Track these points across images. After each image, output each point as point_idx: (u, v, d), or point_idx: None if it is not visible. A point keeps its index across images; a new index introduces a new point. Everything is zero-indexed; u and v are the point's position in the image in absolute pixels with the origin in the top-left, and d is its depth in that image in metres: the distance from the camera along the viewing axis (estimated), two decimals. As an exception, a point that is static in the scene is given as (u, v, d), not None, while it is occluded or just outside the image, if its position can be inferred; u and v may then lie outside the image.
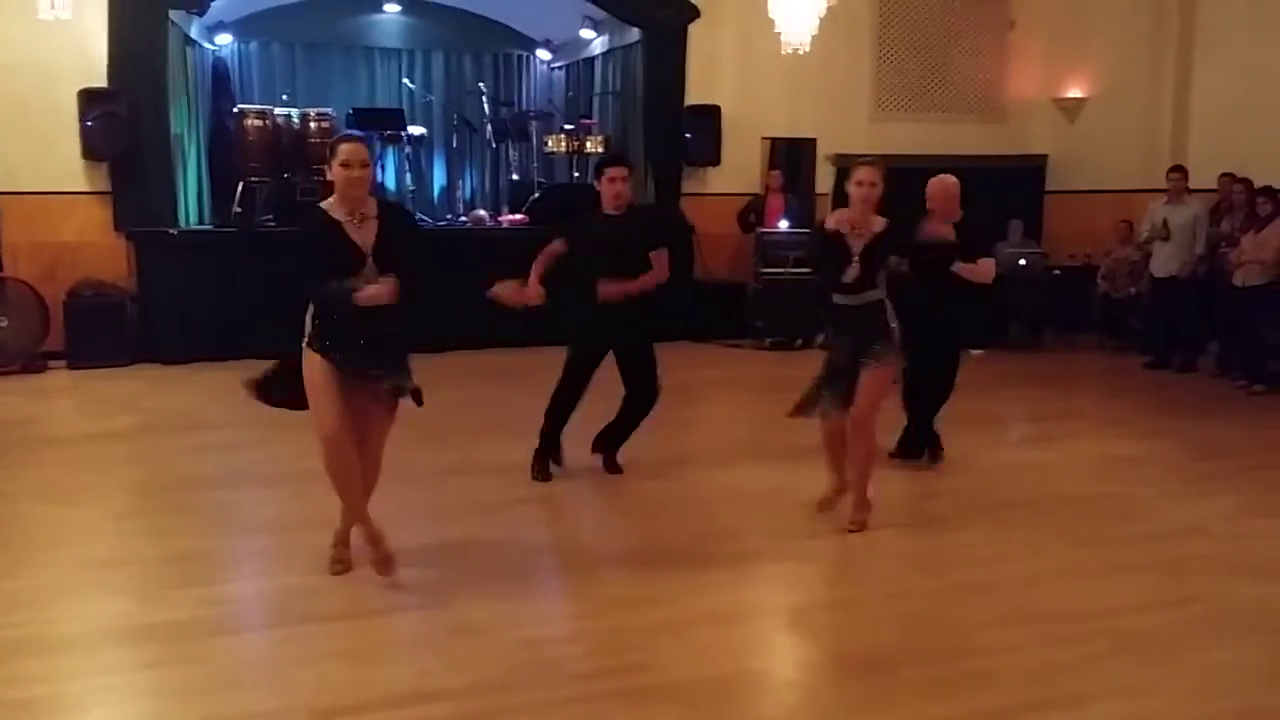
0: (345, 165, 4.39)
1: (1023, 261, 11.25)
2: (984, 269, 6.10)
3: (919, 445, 6.60)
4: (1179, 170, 10.25)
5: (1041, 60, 12.87)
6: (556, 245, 6.05)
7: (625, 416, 6.24)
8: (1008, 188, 11.79)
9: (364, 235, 4.44)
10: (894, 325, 5.24)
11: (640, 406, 6.18)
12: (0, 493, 6.16)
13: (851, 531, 5.33)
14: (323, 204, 4.57)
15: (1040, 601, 4.56)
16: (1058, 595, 4.63)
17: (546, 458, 6.19)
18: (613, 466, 6.31)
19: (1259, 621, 4.41)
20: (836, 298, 5.22)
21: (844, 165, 11.41)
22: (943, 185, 6.43)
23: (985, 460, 6.81)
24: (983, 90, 12.93)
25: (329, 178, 4.58)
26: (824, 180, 12.02)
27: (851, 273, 5.13)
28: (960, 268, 5.97)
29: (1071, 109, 12.80)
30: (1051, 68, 12.81)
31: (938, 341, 6.26)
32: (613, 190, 5.95)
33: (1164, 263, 10.10)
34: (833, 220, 5.24)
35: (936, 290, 5.95)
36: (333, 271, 4.40)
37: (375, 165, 12.58)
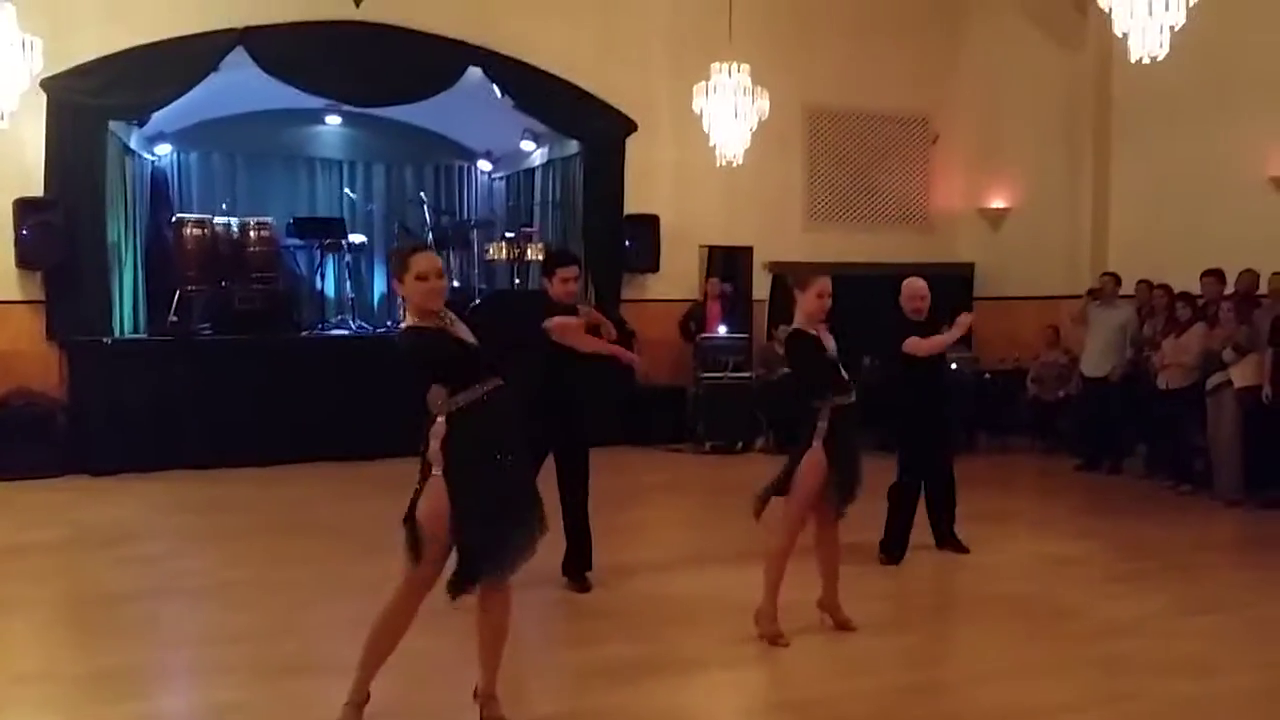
0: (422, 278, 4.02)
1: (954, 366, 11.49)
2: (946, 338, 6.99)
3: (902, 544, 6.86)
4: (1110, 275, 10.66)
5: (965, 172, 13.39)
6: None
7: (570, 534, 6.12)
8: (937, 294, 11.92)
9: (464, 334, 4.12)
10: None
11: (573, 515, 6.09)
12: (-80, 608, 5.95)
13: (847, 629, 5.44)
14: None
15: (980, 701, 4.59)
16: (997, 694, 4.66)
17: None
18: (577, 585, 6.20)
19: (1192, 717, 4.47)
20: (839, 399, 5.27)
21: (780, 273, 11.78)
22: (912, 286, 7.10)
23: (923, 561, 6.87)
24: (909, 201, 13.39)
25: (400, 293, 4.20)
26: (761, 287, 12.29)
27: (841, 374, 5.27)
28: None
29: (995, 218, 13.28)
30: (974, 179, 13.32)
31: (938, 439, 7.00)
32: (565, 290, 5.98)
33: (1095, 364, 10.42)
34: (809, 328, 5.32)
35: (936, 388, 6.89)
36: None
37: (314, 273, 12.74)
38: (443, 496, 3.93)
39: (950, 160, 13.44)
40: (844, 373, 5.30)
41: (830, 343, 5.29)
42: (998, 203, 13.26)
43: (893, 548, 6.80)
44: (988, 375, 11.92)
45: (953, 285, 12.81)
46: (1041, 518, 8.73)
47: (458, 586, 3.96)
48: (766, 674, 5.12)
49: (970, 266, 13.13)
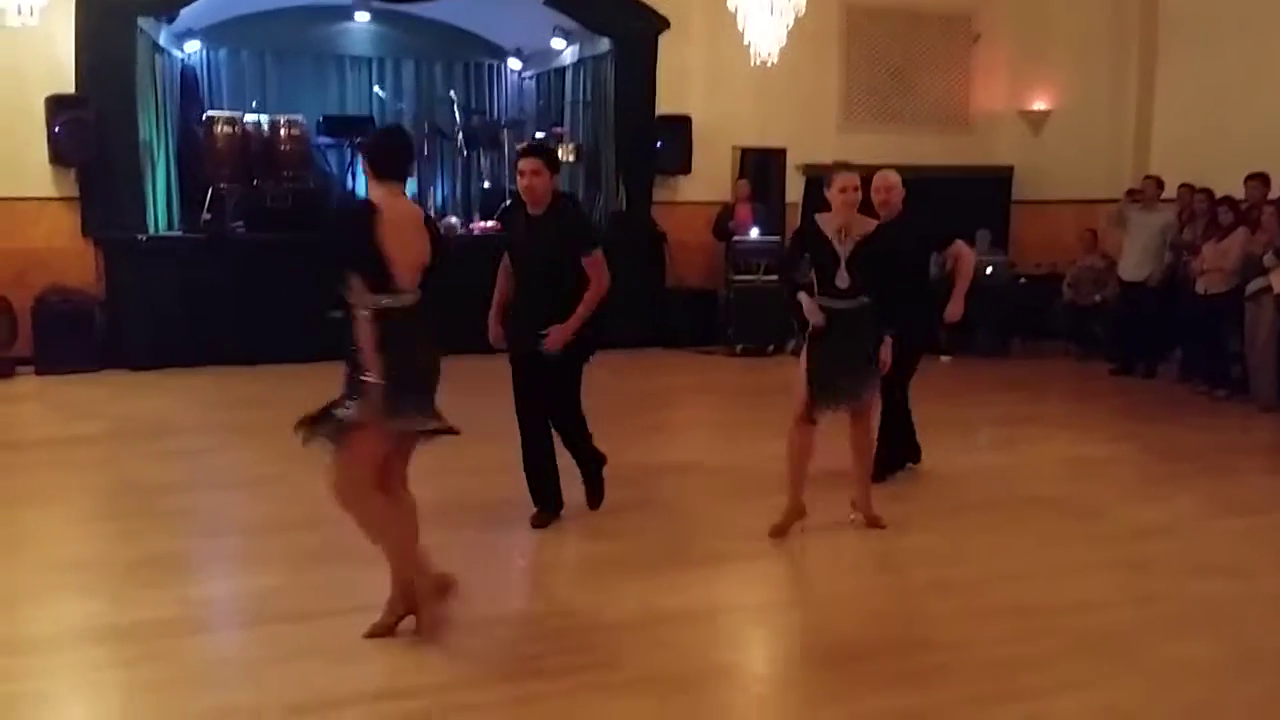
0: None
1: (990, 270, 11.39)
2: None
3: (900, 456, 6.48)
4: (1152, 178, 10.45)
5: (1006, 73, 13.05)
6: (507, 262, 5.42)
7: (581, 466, 5.66)
8: (975, 197, 11.95)
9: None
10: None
11: (569, 440, 5.55)
12: (-33, 497, 6.12)
13: (876, 527, 5.44)
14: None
15: (1002, 599, 4.63)
16: (1019, 593, 4.70)
17: (540, 504, 5.55)
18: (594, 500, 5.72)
19: (1218, 618, 4.50)
20: (824, 301, 5.23)
21: (814, 175, 11.62)
22: (885, 179, 6.23)
23: (951, 464, 6.88)
24: (948, 103, 13.09)
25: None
26: (794, 189, 12.15)
27: (842, 278, 5.18)
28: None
29: (1036, 120, 12.98)
30: (1016, 80, 12.99)
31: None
32: (523, 184, 5.20)
33: (1133, 268, 10.27)
34: (822, 221, 5.26)
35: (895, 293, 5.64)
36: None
37: (345, 172, 12.69)
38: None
39: (991, 60, 13.09)
40: (845, 274, 5.14)
41: (849, 238, 5.17)
42: (1039, 104, 12.95)
43: (891, 461, 6.37)
44: (1023, 279, 11.80)
45: (991, 188, 12.66)
46: (1074, 421, 8.70)
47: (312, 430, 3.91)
48: (791, 569, 5.19)
49: (1009, 170, 12.89)
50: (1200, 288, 9.31)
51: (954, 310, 6.28)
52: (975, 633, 4.27)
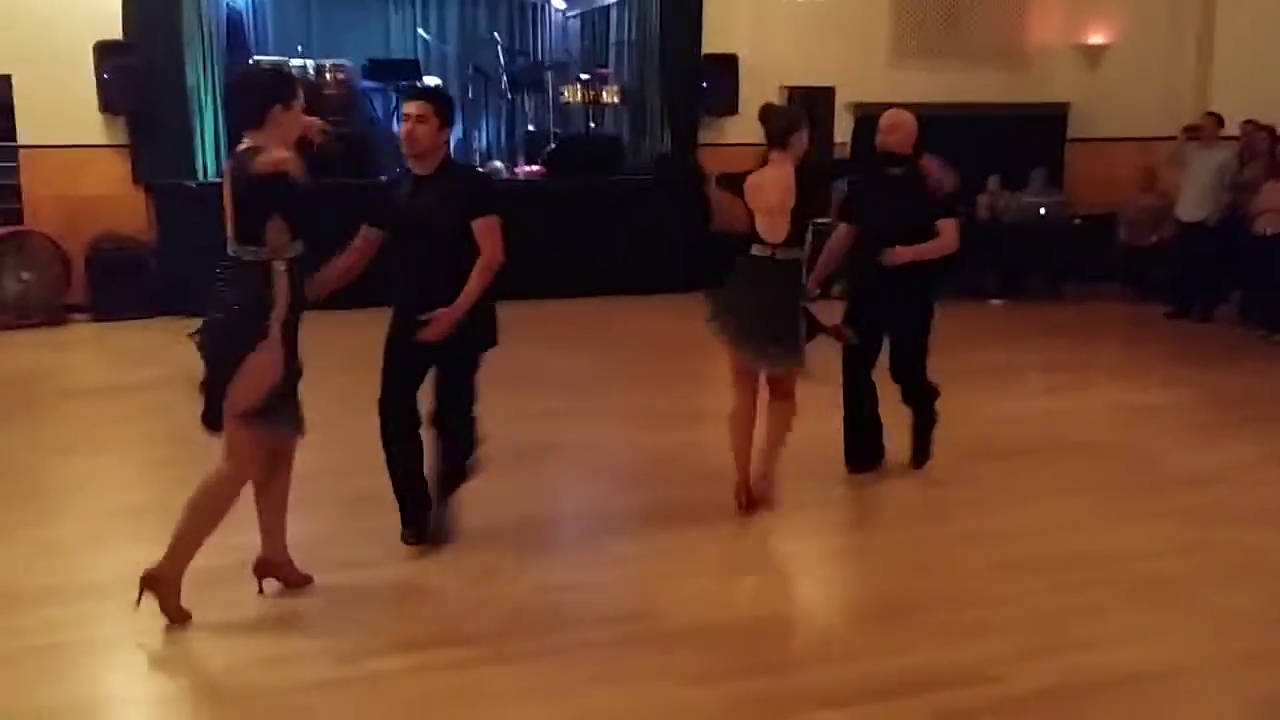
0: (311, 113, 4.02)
1: (1043, 210, 11.18)
2: (938, 243, 5.16)
3: (875, 446, 5.56)
4: (1212, 114, 10.15)
5: (1062, 5, 12.67)
6: (367, 236, 4.48)
7: (444, 459, 4.57)
8: (1029, 135, 11.72)
9: None
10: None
11: (451, 443, 4.53)
12: (28, 443, 6.28)
13: (749, 511, 4.92)
14: None
15: (1051, 548, 4.60)
16: (1068, 542, 4.67)
17: (410, 518, 4.58)
18: (433, 533, 4.57)
19: (1269, 569, 4.45)
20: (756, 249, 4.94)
21: (863, 114, 11.42)
22: (889, 118, 5.35)
23: (998, 410, 6.82)
24: (1003, 36, 12.74)
25: (277, 120, 3.76)
26: (843, 129, 11.96)
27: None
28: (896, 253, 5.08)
29: (1093, 55, 12.62)
30: (1073, 13, 12.62)
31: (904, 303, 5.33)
32: (404, 131, 4.32)
33: (1192, 208, 10.01)
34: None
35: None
36: None
37: (390, 117, 12.67)
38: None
39: (1048, -8, 12.72)
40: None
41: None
42: (1096, 38, 12.57)
43: (865, 452, 5.56)
44: (1078, 220, 11.52)
45: (1046, 126, 12.37)
46: (1126, 367, 8.57)
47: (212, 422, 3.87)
48: (836, 519, 5.18)
49: (1065, 106, 12.57)
50: (1260, 228, 9.09)
51: (900, 253, 5.11)
52: (1023, 583, 4.25)
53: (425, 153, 4.29)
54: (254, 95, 3.80)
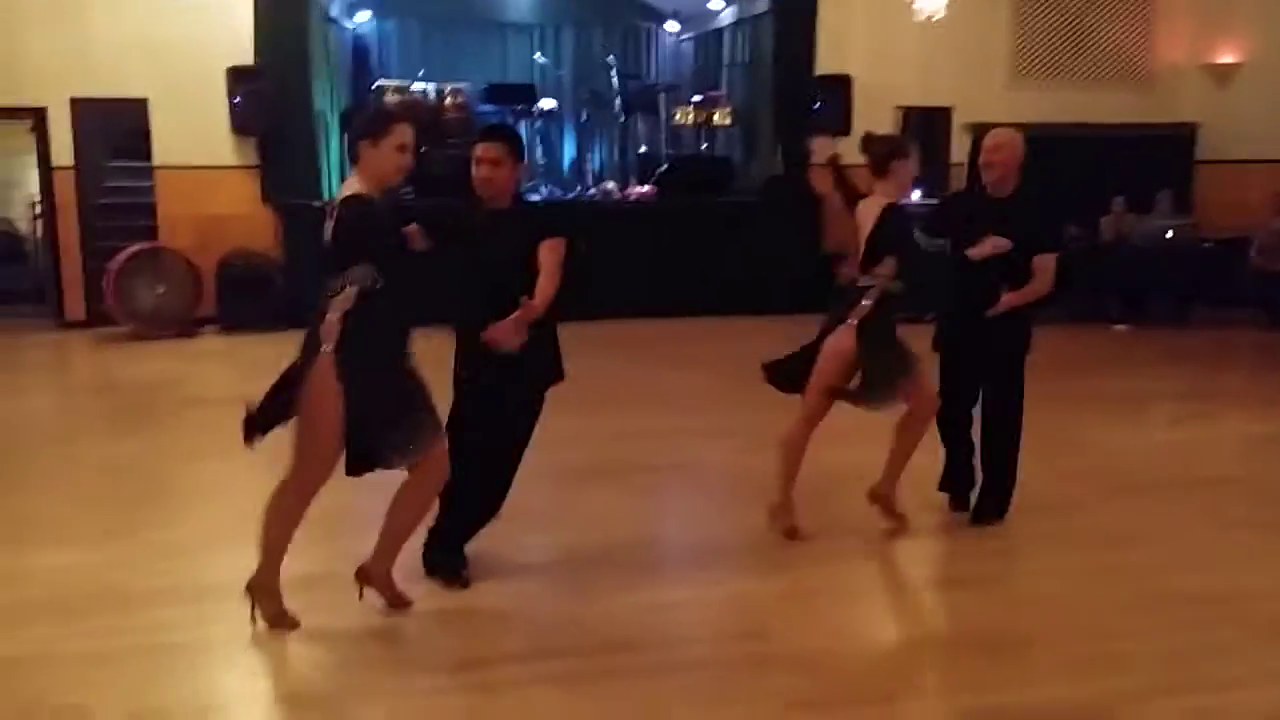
0: (403, 149, 3.88)
1: (1170, 234, 10.82)
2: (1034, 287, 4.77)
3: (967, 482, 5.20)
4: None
5: (1190, 23, 12.29)
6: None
7: (459, 503, 4.33)
8: (1155, 157, 11.36)
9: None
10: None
11: (480, 492, 4.36)
12: (155, 448, 6.54)
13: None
14: None
15: (1179, 585, 4.41)
16: (1197, 578, 4.47)
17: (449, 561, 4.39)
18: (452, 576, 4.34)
19: None
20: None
21: (980, 135, 11.20)
22: (993, 138, 4.89)
23: (1123, 440, 6.59)
24: (1127, 56, 12.43)
25: (363, 155, 3.82)
26: (959, 150, 11.77)
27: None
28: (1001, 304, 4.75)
29: (1223, 74, 12.20)
30: (1201, 31, 12.23)
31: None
32: (481, 176, 4.24)
33: (1326, 233, 9.60)
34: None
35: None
36: None
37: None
38: (331, 377, 3.72)
39: (1174, 9, 12.33)
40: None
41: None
42: (1226, 57, 12.14)
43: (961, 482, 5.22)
44: (1207, 243, 11.13)
45: (1173, 147, 11.98)
46: (1257, 396, 8.21)
47: (357, 468, 3.86)
48: (953, 546, 5.06)
49: (1193, 128, 12.17)
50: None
51: (1005, 302, 4.75)
52: (1147, 620, 4.09)
53: (500, 194, 4.27)
54: (350, 133, 3.95)
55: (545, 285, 4.11)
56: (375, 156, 3.80)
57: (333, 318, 3.76)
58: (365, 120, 3.98)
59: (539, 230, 4.22)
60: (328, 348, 3.75)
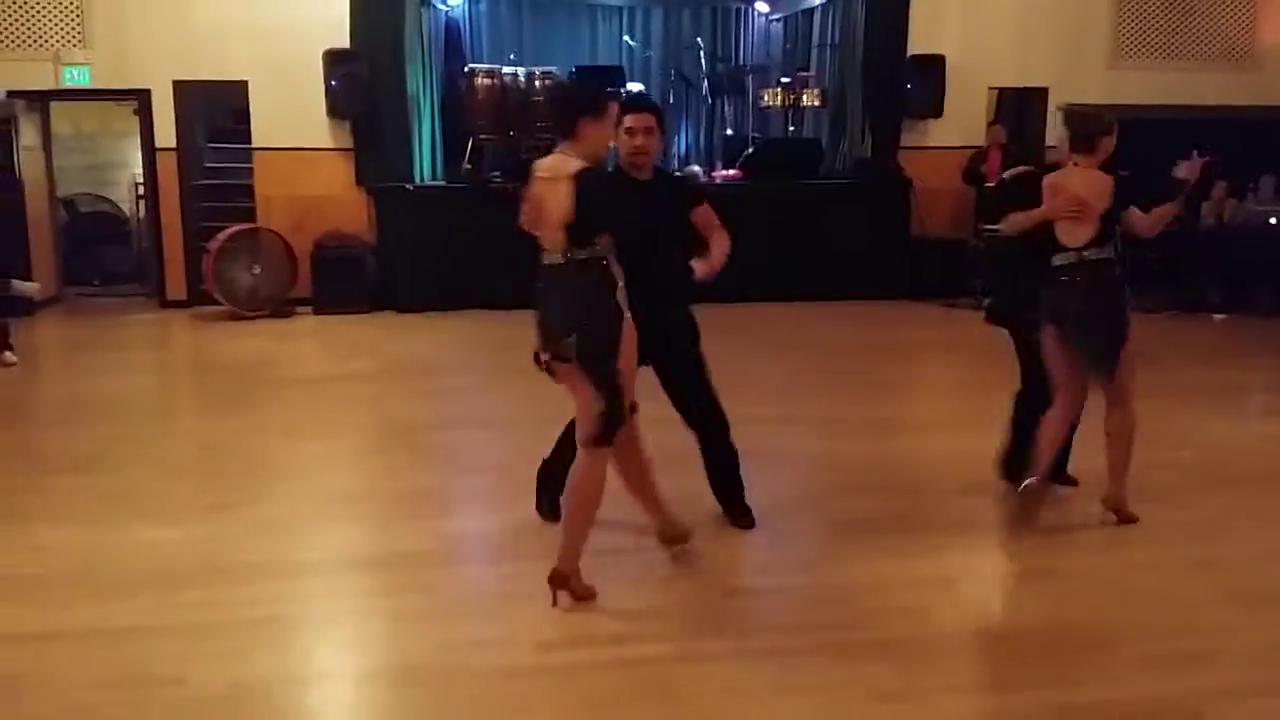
0: (630, 133, 4.25)
1: (1274, 220, 10.45)
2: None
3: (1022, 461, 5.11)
4: None
5: (1304, 0, 11.83)
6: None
7: (709, 463, 4.86)
8: (1258, 140, 10.96)
9: None
10: None
11: (709, 440, 4.80)
12: (251, 427, 6.75)
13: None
14: None
15: (1270, 582, 4.31)
16: (1287, 576, 4.37)
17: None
18: (740, 519, 4.87)
19: None
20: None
21: (1066, 109, 10.92)
22: None
23: (1219, 432, 6.42)
24: (1232, 35, 12.01)
25: (592, 134, 3.87)
26: (1056, 131, 11.50)
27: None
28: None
29: (1337, 54, 11.74)
30: (1315, 8, 11.77)
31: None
32: (635, 144, 4.34)
33: None
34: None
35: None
36: None
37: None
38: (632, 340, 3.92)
39: (1286, -14, 11.89)
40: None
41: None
42: (1342, 34, 11.69)
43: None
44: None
45: (1277, 131, 11.55)
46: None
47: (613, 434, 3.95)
48: (1039, 540, 4.98)
49: (1302, 109, 11.74)
50: None
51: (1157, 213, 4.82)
52: (1241, 617, 4.00)
53: (649, 164, 4.44)
54: (566, 107, 3.99)
55: (721, 237, 4.50)
56: (594, 132, 3.87)
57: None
58: (587, 97, 4.03)
59: (691, 194, 4.64)
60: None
